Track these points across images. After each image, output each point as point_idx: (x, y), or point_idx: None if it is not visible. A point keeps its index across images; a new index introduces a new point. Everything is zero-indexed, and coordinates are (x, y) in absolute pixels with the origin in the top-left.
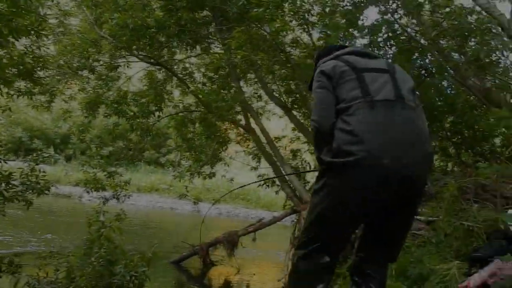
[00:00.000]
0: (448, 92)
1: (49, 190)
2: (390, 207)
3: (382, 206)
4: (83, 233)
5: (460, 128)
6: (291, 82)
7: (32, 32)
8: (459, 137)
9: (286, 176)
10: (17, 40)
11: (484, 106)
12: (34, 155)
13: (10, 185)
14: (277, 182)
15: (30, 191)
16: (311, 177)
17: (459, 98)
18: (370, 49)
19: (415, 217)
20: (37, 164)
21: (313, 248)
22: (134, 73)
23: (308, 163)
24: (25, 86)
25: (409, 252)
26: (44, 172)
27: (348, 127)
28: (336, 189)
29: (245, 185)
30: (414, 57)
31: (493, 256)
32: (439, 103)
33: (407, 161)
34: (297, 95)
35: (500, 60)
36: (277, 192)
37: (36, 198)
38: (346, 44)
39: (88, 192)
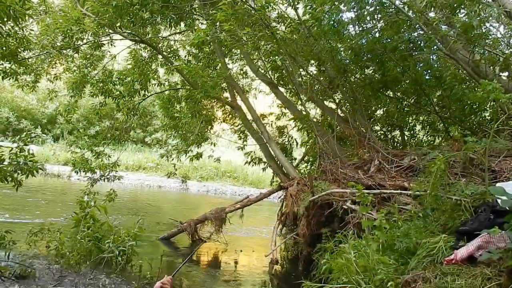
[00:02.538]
0: (436, 65)
1: (37, 171)
2: None
3: None
4: (72, 211)
5: (448, 102)
6: (276, 57)
7: (15, 12)
8: (447, 111)
9: (272, 152)
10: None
11: (473, 79)
12: (23, 135)
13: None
14: (264, 159)
15: (19, 172)
16: (299, 154)
17: (447, 71)
18: (357, 23)
19: None
20: (25, 145)
21: None
22: (119, 51)
23: (295, 139)
24: (9, 68)
25: (396, 226)
26: (32, 154)
27: None
28: None
29: None
30: (402, 30)
31: (480, 229)
32: (427, 77)
33: None
34: (283, 71)
35: (489, 32)
36: (264, 170)
37: (25, 179)
38: None
39: (77, 173)
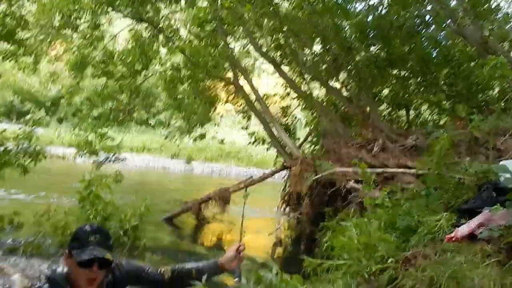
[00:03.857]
0: (444, 42)
1: (44, 157)
2: None
3: None
4: (77, 191)
5: (456, 80)
6: (280, 36)
7: None
8: (454, 89)
9: (275, 132)
10: None
11: (481, 56)
12: (27, 117)
13: (5, 149)
14: (268, 139)
15: (26, 158)
16: (302, 134)
17: (455, 48)
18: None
19: None
20: (32, 128)
21: None
22: (119, 31)
23: (299, 119)
24: (9, 49)
25: (398, 204)
26: (37, 138)
27: None
28: None
29: None
30: (411, 7)
31: (482, 207)
32: (434, 54)
33: None
34: (286, 50)
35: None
36: (267, 150)
37: (33, 166)
38: None
39: (81, 156)
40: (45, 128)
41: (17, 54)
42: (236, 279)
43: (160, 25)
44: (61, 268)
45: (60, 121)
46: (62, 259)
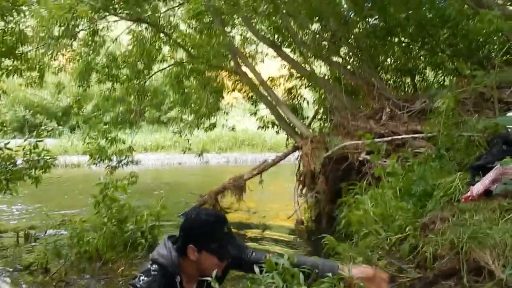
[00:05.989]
0: (441, 3)
1: (53, 166)
2: None
3: None
4: (92, 196)
5: (454, 40)
6: (277, 18)
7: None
8: (455, 49)
9: (283, 114)
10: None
11: (477, 13)
12: (39, 130)
13: (13, 165)
14: (276, 122)
15: (34, 169)
16: (310, 113)
17: (451, 8)
18: None
19: None
20: (41, 140)
21: None
22: (119, 34)
23: (305, 98)
24: (12, 65)
25: (411, 170)
26: (47, 150)
27: None
28: None
29: None
30: None
31: (494, 162)
32: (429, 16)
33: None
34: (284, 31)
35: None
36: (277, 133)
37: (42, 175)
38: None
39: (95, 164)
40: (58, 138)
41: (21, 69)
42: None
43: (160, 23)
44: (170, 254)
45: (72, 129)
46: (170, 247)
